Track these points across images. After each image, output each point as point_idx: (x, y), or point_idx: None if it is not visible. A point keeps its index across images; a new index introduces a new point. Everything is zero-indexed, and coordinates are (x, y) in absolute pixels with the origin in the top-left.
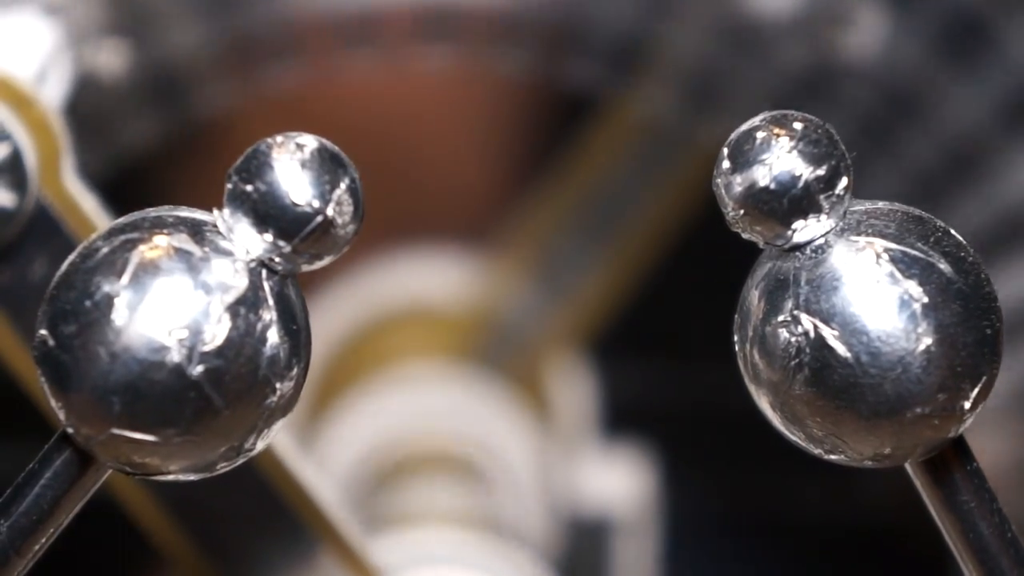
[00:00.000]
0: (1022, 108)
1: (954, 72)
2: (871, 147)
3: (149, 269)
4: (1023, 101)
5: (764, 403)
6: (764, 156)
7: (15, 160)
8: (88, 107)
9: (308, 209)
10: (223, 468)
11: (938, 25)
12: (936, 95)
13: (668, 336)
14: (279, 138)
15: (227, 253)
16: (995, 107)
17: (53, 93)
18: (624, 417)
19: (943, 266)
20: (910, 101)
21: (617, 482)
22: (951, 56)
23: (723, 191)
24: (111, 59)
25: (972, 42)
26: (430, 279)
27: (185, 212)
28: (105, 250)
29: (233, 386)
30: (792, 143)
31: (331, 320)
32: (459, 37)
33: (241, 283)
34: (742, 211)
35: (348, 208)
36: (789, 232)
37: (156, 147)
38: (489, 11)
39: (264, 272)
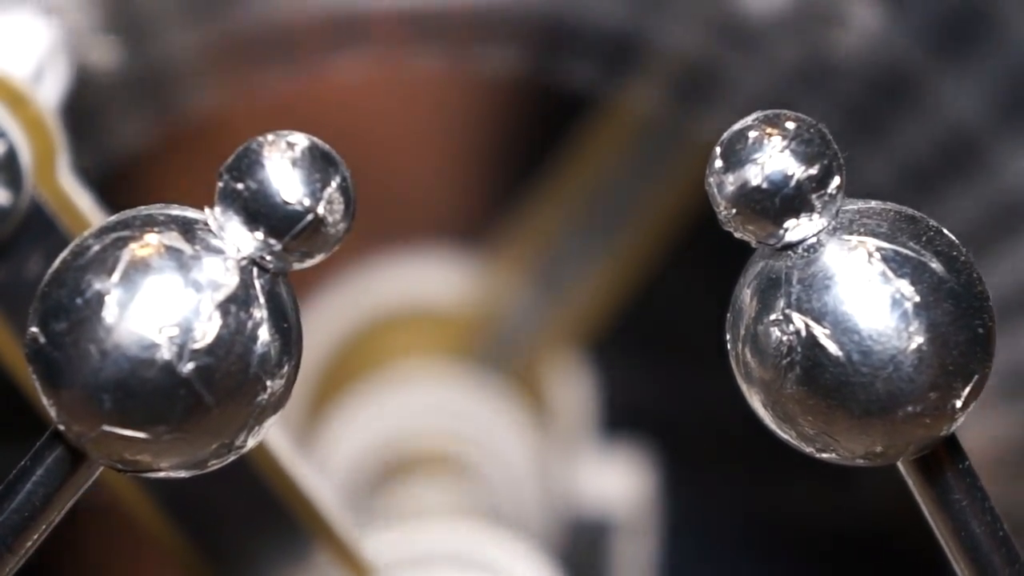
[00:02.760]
0: (1016, 99)
1: (947, 63)
2: (864, 138)
3: (140, 267)
4: (1017, 92)
5: (756, 402)
6: (756, 155)
7: (10, 158)
8: (83, 105)
9: (299, 207)
10: (214, 465)
11: (931, 16)
12: (929, 86)
13: (668, 336)
14: (270, 136)
15: (218, 251)
16: (989, 98)
17: (49, 92)
18: (623, 417)
19: (935, 265)
20: (903, 92)
21: (616, 482)
22: (944, 47)
23: (715, 190)
24: (106, 58)
25: (965, 33)
26: (429, 279)
27: (176, 210)
28: (96, 248)
29: (223, 384)
30: (784, 142)
31: (330, 320)
32: (450, 37)
33: (232, 281)
34: (734, 210)
35: (339, 206)
36: (781, 231)
37: (150, 145)
38: (480, 10)
39: (255, 270)
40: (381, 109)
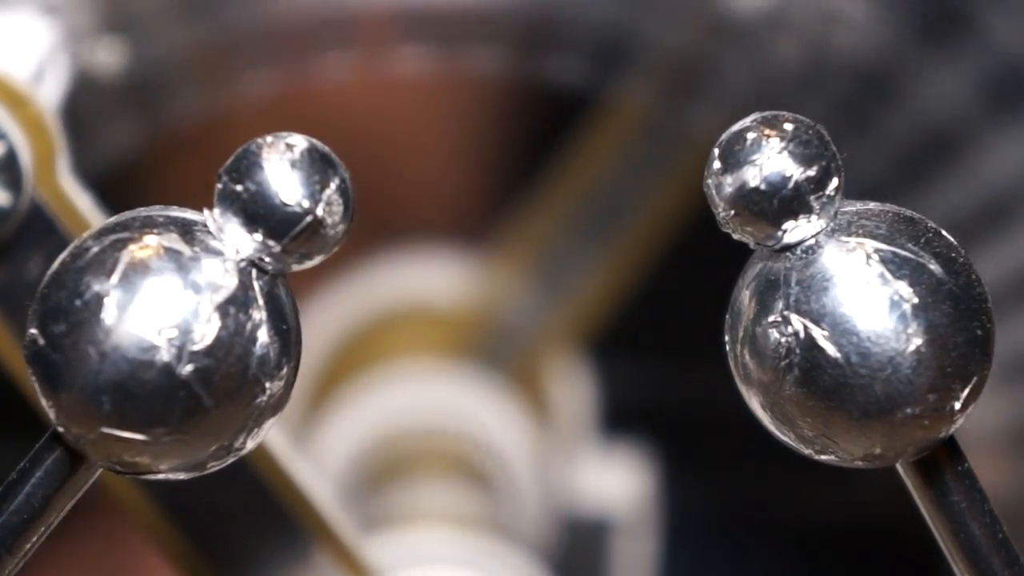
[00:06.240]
0: (1001, 90)
1: (933, 54)
2: (852, 131)
3: (139, 269)
4: (1002, 83)
5: (755, 404)
6: (754, 157)
7: (10, 159)
8: (82, 106)
9: (298, 209)
10: (213, 467)
11: (917, 7)
12: (915, 77)
13: (668, 336)
14: (269, 138)
15: (217, 253)
16: (974, 89)
17: (50, 93)
18: (623, 417)
19: (934, 267)
20: (889, 83)
21: (616, 482)
22: (930, 38)
23: (713, 192)
24: (107, 59)
25: (951, 24)
26: (428, 279)
27: (175, 212)
28: (95, 250)
29: (222, 385)
30: (782, 144)
31: (329, 319)
32: (442, 37)
33: (231, 283)
34: (732, 212)
35: (338, 208)
36: (779, 233)
37: (149, 147)
38: (471, 10)
39: (254, 272)
40: (376, 110)
